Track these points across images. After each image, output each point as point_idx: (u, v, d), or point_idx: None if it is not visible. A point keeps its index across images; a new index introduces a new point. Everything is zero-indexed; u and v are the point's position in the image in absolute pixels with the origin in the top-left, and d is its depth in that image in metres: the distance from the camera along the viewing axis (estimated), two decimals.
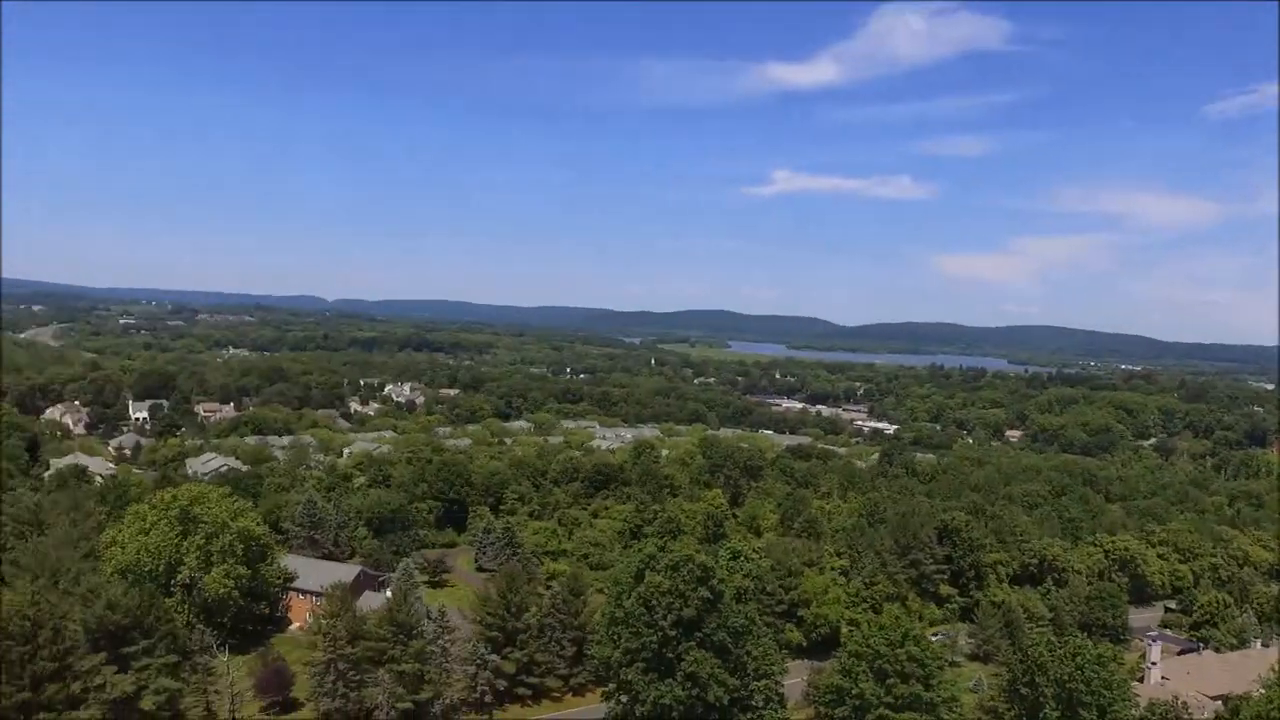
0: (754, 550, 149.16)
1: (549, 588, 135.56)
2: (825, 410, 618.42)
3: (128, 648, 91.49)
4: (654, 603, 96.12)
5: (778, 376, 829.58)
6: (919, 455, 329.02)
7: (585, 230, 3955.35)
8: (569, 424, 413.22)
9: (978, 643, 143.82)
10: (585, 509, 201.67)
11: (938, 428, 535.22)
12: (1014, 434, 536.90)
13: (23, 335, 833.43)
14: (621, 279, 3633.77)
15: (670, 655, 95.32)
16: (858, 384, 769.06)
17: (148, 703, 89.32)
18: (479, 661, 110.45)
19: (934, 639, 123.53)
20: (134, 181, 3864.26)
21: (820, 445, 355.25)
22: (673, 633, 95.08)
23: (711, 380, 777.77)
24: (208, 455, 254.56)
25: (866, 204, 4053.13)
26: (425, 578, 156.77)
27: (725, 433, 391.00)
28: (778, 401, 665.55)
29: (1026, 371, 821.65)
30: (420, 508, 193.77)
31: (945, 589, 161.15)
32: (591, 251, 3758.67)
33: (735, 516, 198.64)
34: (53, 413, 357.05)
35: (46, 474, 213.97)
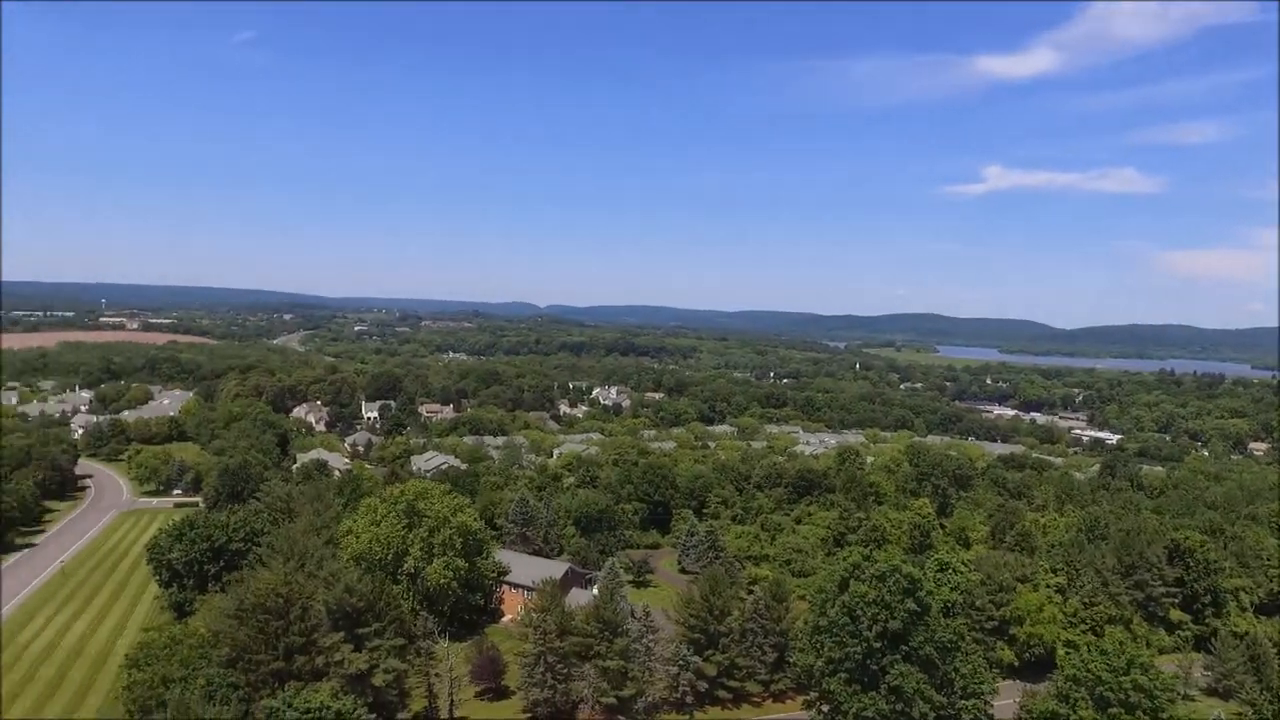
0: (963, 563, 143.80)
1: (751, 592, 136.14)
2: (1040, 418, 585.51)
3: (362, 629, 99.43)
4: (859, 612, 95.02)
5: (989, 382, 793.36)
6: (1145, 468, 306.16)
7: (788, 233, 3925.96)
8: (772, 429, 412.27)
9: (1215, 676, 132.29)
10: (788, 515, 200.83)
11: (1167, 438, 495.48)
12: (1259, 446, 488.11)
13: (275, 341, 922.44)
14: (826, 282, 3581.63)
15: (874, 667, 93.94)
16: (1076, 390, 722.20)
17: (378, 680, 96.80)
18: (681, 662, 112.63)
19: (1164, 669, 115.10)
20: (366, 201, 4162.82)
21: (1035, 455, 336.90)
22: (877, 644, 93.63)
23: (919, 386, 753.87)
24: (430, 453, 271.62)
25: (1086, 199, 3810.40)
26: (630, 577, 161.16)
27: (933, 440, 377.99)
28: (989, 408, 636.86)
29: (1274, 377, 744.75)
30: (626, 509, 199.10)
31: (1176, 614, 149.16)
32: (795, 255, 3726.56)
33: (943, 527, 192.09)
34: (299, 411, 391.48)
35: (294, 467, 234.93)
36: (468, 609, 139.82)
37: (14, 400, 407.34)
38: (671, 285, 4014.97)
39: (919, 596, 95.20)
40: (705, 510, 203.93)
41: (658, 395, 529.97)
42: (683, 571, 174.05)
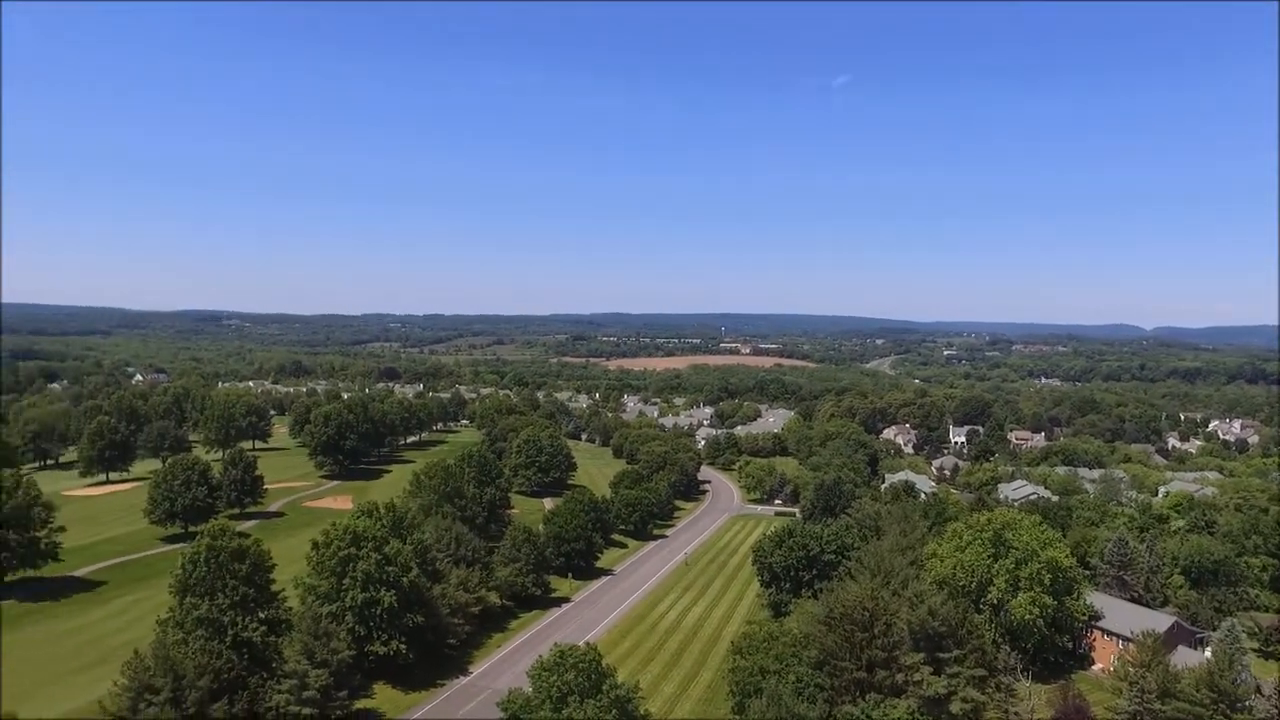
0: None
1: None
2: None
3: (942, 653, 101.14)
4: None
5: None
6: None
7: None
8: None
9: None
10: None
11: None
12: None
13: (868, 365, 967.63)
14: None
15: None
16: None
17: (955, 707, 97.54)
18: None
19: None
20: (955, 226, 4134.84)
21: None
22: None
23: None
24: (1018, 482, 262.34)
25: None
26: (1254, 644, 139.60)
27: None
28: None
29: None
30: (1251, 563, 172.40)
31: None
32: None
33: None
34: (888, 433, 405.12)
35: (883, 486, 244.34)
36: (1053, 650, 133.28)
37: (655, 413, 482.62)
38: None
39: None
40: None
41: None
42: None
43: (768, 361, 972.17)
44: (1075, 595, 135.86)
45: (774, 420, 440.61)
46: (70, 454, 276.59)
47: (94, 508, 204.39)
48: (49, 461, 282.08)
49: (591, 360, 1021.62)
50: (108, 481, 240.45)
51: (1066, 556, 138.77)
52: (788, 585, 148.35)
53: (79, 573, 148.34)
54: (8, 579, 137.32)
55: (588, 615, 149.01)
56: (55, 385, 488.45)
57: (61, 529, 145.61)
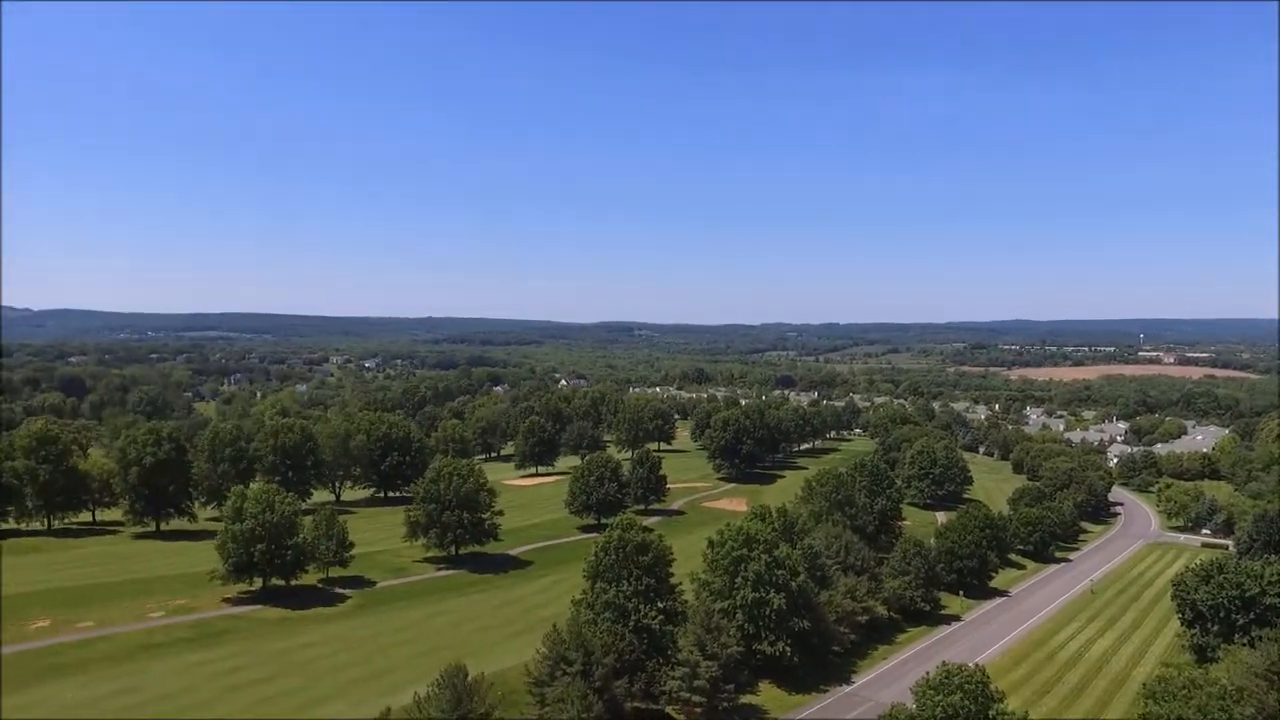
0: None
1: None
2: None
3: None
4: None
5: None
6: None
7: None
8: None
9: None
10: None
11: None
12: None
13: None
14: None
15: None
16: None
17: None
18: None
19: None
20: None
21: None
22: None
23: None
24: None
25: None
26: None
27: None
28: None
29: None
30: None
31: None
32: None
33: None
34: None
35: None
36: None
37: (1060, 427, 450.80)
38: None
39: None
40: None
41: None
42: None
43: (1196, 372, 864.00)
44: None
45: (1202, 439, 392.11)
46: (508, 448, 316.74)
47: (526, 496, 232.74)
48: (492, 454, 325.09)
49: (991, 369, 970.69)
50: (536, 474, 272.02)
51: None
52: (1215, 628, 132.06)
53: (513, 551, 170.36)
54: (460, 552, 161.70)
55: (978, 636, 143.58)
56: (499, 388, 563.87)
57: (501, 513, 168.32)
